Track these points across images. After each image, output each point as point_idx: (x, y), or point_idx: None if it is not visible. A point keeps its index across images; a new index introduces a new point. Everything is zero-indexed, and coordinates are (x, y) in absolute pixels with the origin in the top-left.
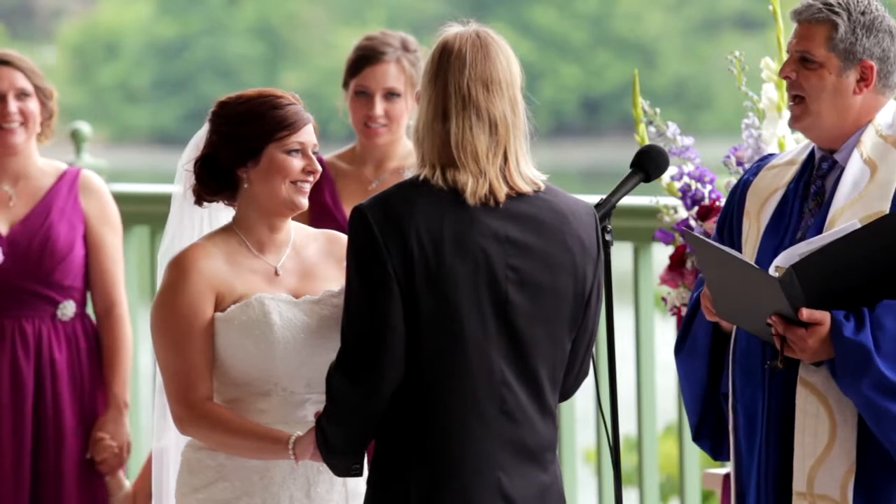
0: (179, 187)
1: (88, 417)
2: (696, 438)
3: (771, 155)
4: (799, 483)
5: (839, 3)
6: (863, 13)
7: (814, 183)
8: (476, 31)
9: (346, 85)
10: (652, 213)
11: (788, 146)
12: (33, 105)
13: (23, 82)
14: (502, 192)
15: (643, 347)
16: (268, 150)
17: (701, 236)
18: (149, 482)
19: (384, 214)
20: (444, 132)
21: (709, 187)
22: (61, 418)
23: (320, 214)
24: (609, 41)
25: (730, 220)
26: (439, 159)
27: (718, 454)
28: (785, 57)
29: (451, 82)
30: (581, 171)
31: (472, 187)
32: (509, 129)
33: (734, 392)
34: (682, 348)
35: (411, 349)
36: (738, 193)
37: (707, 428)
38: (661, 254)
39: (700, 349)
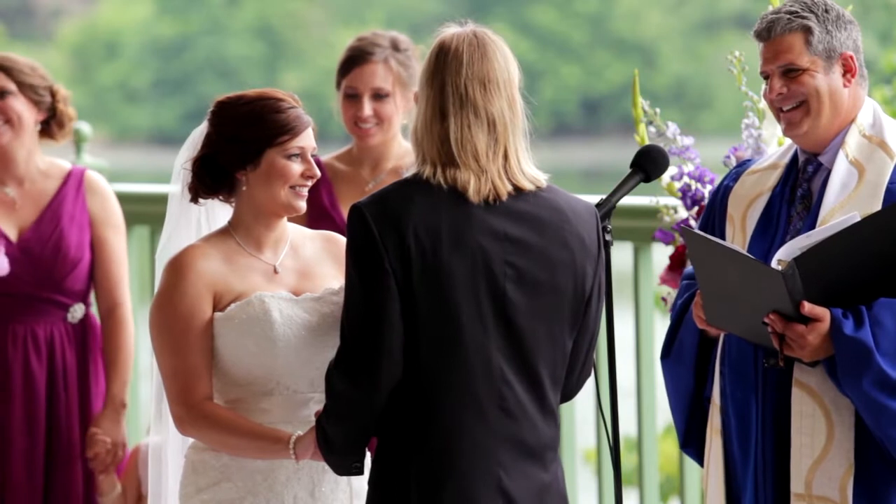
0: (177, 186)
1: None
2: (685, 446)
3: (749, 160)
4: (797, 485)
5: (803, 8)
6: (826, 11)
7: (800, 186)
8: (473, 31)
9: (338, 86)
10: (652, 213)
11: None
12: (19, 104)
13: (2, 81)
14: (505, 190)
15: (643, 347)
16: (268, 154)
17: (701, 232)
18: (133, 479)
19: (382, 212)
20: (442, 131)
21: (709, 187)
22: (72, 420)
23: (318, 215)
24: (609, 41)
25: (711, 226)
26: (439, 158)
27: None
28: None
29: (449, 82)
30: (581, 171)
31: (475, 186)
32: (507, 128)
33: (723, 396)
34: (668, 354)
35: (410, 346)
36: (719, 199)
37: (695, 435)
38: (661, 254)
39: (686, 356)
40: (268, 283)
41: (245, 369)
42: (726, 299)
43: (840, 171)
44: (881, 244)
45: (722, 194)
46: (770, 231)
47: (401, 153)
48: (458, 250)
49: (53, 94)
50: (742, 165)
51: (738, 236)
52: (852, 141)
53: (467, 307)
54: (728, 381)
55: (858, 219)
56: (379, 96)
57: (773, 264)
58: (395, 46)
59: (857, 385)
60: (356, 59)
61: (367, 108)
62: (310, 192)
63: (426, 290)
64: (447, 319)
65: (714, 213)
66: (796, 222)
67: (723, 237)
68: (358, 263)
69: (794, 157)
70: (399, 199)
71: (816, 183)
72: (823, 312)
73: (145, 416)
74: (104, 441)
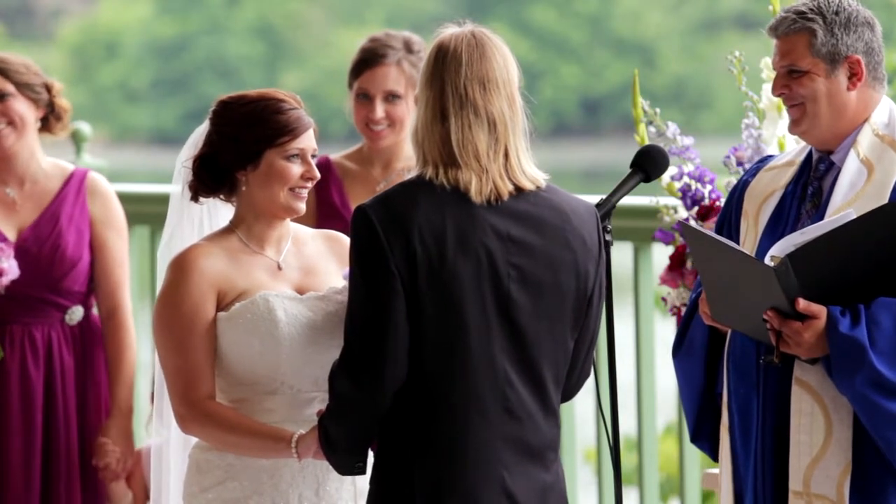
0: (178, 185)
1: (94, 420)
2: (695, 440)
3: (770, 156)
4: (795, 482)
5: (811, 9)
6: (836, 13)
7: (811, 184)
8: (472, 32)
9: (350, 87)
10: (652, 213)
11: (788, 146)
12: (19, 105)
13: (0, 84)
14: (506, 189)
15: (643, 347)
16: (267, 155)
17: (698, 228)
18: (140, 483)
19: (386, 213)
20: (443, 132)
21: (709, 187)
22: (70, 422)
23: (328, 214)
24: (608, 41)
25: (728, 220)
26: (441, 159)
27: (718, 455)
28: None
29: (448, 83)
30: (581, 171)
31: (477, 186)
32: (508, 127)
33: (728, 391)
34: (679, 350)
35: (414, 347)
36: (737, 194)
37: (706, 429)
38: (661, 254)
39: (697, 350)
40: (272, 280)
41: (249, 368)
42: (727, 295)
43: (850, 170)
44: (876, 242)
45: (740, 189)
46: (780, 228)
47: (411, 153)
48: (463, 252)
49: (49, 89)
50: (762, 161)
51: (750, 232)
52: (864, 140)
53: (472, 309)
54: (732, 377)
55: (853, 216)
56: (391, 98)
57: (767, 260)
58: (408, 48)
59: (850, 384)
60: (369, 61)
61: (380, 110)
62: (320, 190)
63: (432, 291)
64: (452, 321)
65: (731, 207)
66: (805, 220)
67: (738, 231)
68: (363, 265)
69: (810, 155)
70: (403, 201)
71: (827, 181)
72: (820, 310)
73: (143, 417)
74: (114, 450)
